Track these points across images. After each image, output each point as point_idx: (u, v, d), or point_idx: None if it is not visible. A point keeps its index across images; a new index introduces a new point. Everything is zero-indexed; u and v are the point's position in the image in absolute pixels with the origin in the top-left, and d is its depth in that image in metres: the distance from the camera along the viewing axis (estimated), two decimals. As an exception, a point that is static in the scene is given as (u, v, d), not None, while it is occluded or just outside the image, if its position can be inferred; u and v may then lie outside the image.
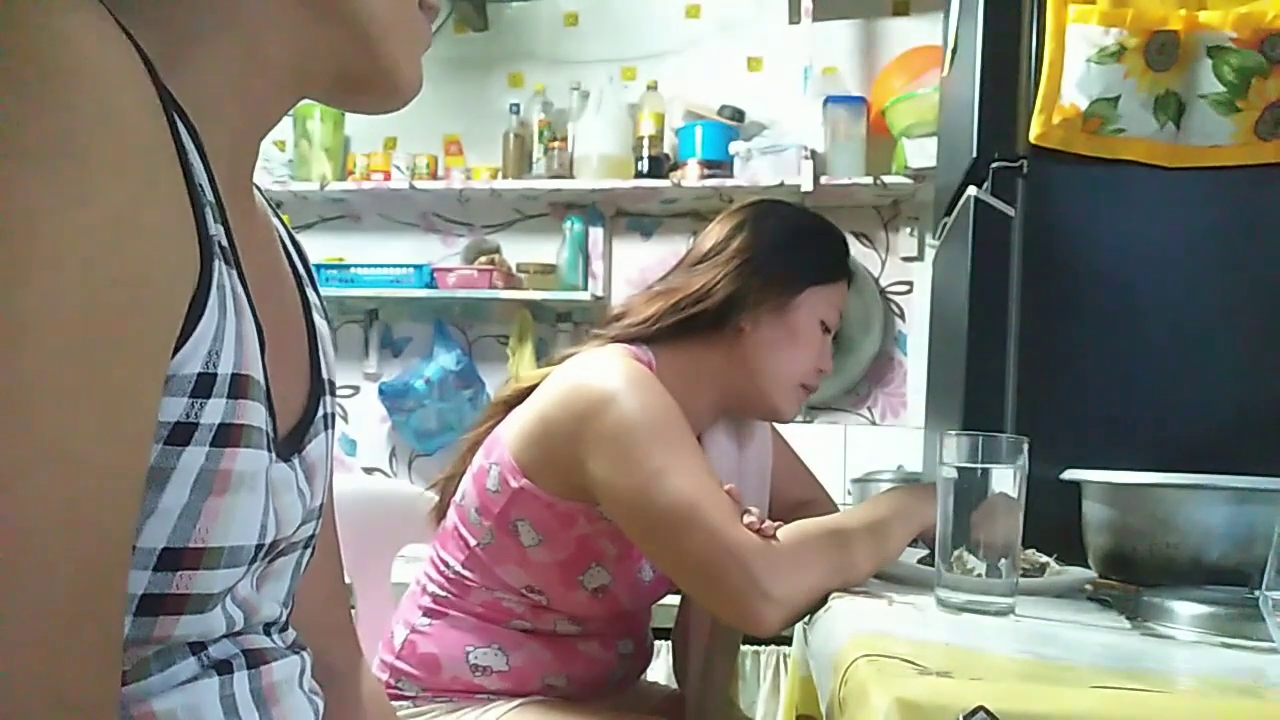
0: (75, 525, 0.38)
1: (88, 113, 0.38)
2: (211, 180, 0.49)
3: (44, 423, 0.36)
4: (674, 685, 1.43)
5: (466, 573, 1.17)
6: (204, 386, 0.46)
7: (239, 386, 0.48)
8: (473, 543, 1.17)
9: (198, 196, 0.46)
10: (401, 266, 2.76)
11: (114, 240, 0.39)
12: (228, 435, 0.48)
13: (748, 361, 1.22)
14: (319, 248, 2.91)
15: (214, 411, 0.47)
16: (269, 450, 0.52)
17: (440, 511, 1.26)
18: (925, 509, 1.02)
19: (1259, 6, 1.16)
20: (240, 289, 0.50)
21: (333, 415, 0.66)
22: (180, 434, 0.46)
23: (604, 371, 1.09)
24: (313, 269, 0.69)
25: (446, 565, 1.20)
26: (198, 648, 0.52)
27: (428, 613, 1.20)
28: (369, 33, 0.54)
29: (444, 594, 1.19)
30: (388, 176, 2.81)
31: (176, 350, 0.44)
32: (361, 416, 2.93)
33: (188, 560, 0.47)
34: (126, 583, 0.43)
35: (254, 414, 0.50)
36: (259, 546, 0.52)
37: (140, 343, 0.41)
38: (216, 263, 0.47)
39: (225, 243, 0.50)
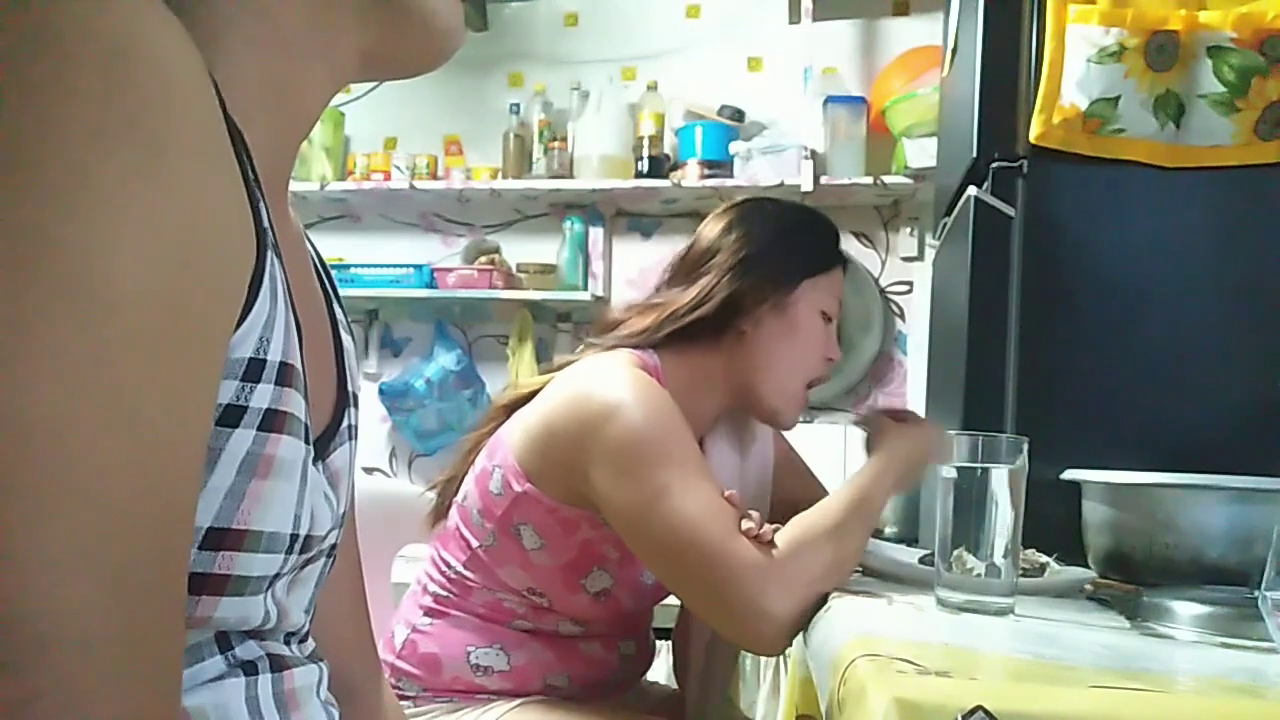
0: (152, 494, 0.39)
1: (164, 101, 0.39)
2: (255, 176, 0.50)
3: (126, 393, 0.37)
4: (674, 685, 1.43)
5: (468, 573, 1.17)
6: (254, 371, 0.47)
7: (285, 375, 0.49)
8: (474, 544, 1.16)
9: (251, 188, 0.47)
10: (401, 266, 2.76)
11: (190, 220, 0.40)
12: (273, 421, 0.49)
13: (754, 361, 1.21)
14: (319, 248, 2.89)
15: (262, 396, 0.48)
16: (306, 442, 0.53)
17: (438, 513, 1.26)
18: (896, 459, 1.08)
19: (1259, 6, 1.16)
20: (285, 282, 0.51)
21: (356, 427, 0.67)
22: (231, 415, 0.47)
23: (609, 381, 1.08)
24: (337, 286, 0.70)
25: (448, 565, 1.20)
26: (224, 646, 0.52)
27: (429, 612, 1.20)
28: None
29: (445, 594, 1.19)
30: (388, 176, 2.81)
31: (233, 332, 0.45)
32: (362, 416, 2.92)
33: (230, 541, 0.48)
34: (190, 552, 0.44)
35: (296, 403, 0.51)
36: (294, 536, 0.53)
37: (210, 320, 0.42)
38: (269, 253, 0.48)
39: (274, 236, 0.51)
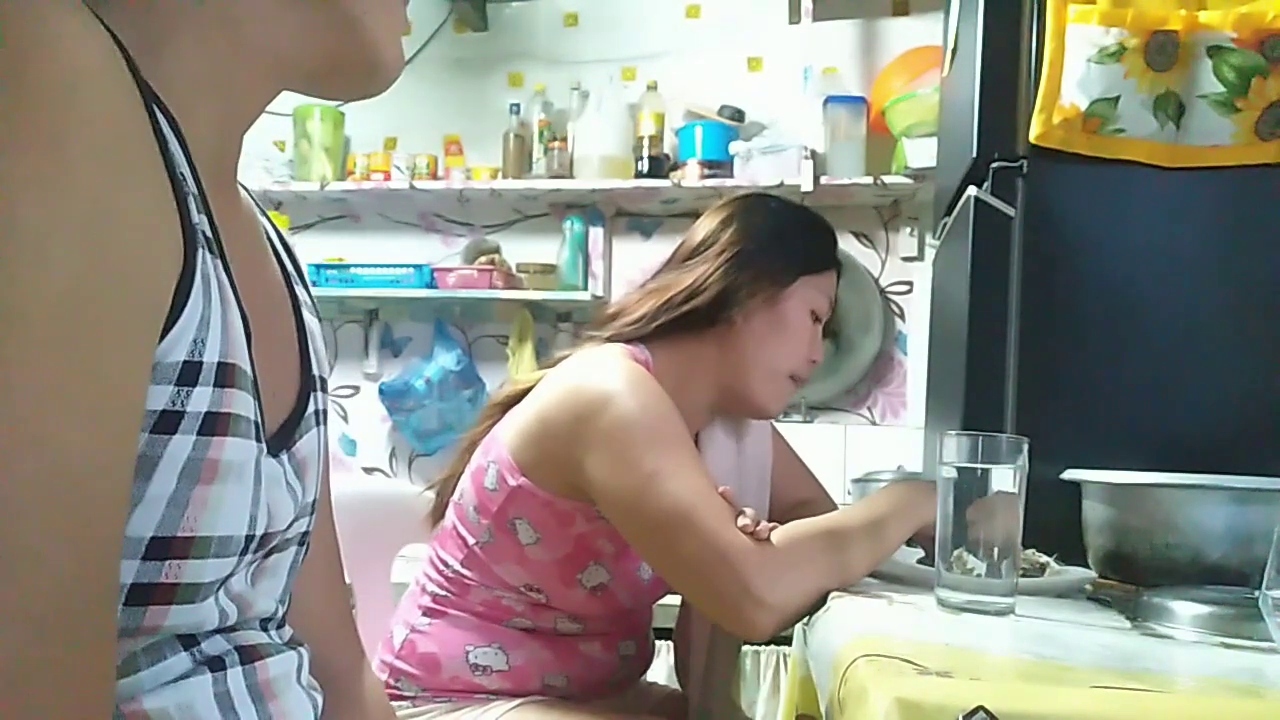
0: (64, 516, 0.38)
1: (66, 104, 0.38)
2: (194, 171, 0.49)
3: (30, 413, 0.36)
4: (674, 685, 1.43)
5: (466, 571, 1.17)
6: (190, 374, 0.46)
7: (225, 375, 0.48)
8: (471, 541, 1.17)
9: (180, 186, 0.46)
10: (401, 266, 2.76)
11: (96, 229, 0.39)
12: (214, 424, 0.48)
13: (740, 354, 1.22)
14: (319, 248, 2.91)
15: (200, 400, 0.47)
16: (258, 441, 0.52)
17: (437, 512, 1.26)
18: (924, 506, 1.02)
19: (1259, 6, 1.16)
20: (225, 279, 0.50)
21: (324, 412, 0.66)
22: (166, 422, 0.46)
23: (602, 371, 1.09)
24: (302, 266, 0.69)
25: (445, 564, 1.20)
26: (189, 642, 0.51)
27: (427, 612, 1.20)
28: (348, 12, 0.55)
29: (443, 593, 1.19)
30: (388, 176, 2.81)
31: (162, 338, 0.44)
32: (361, 416, 2.93)
33: (176, 549, 0.47)
34: (118, 573, 0.43)
35: (241, 403, 0.50)
36: (249, 538, 0.52)
37: (125, 330, 0.41)
38: (201, 251, 0.47)
39: (209, 233, 0.50)
